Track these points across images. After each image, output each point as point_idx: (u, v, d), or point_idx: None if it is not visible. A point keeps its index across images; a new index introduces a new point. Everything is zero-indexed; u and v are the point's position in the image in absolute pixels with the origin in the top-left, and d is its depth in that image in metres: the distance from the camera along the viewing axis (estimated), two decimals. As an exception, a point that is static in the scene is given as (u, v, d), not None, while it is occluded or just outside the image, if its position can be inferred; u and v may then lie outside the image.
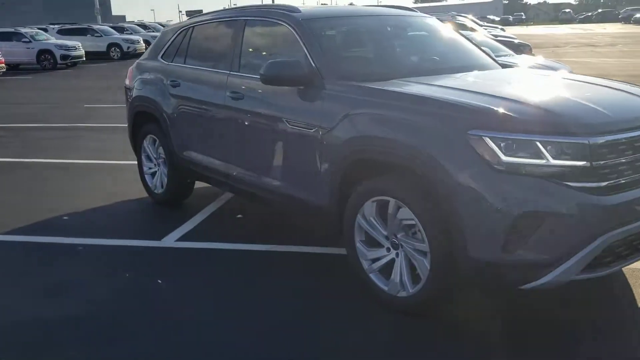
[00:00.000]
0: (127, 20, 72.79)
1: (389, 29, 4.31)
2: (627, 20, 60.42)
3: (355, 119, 3.24)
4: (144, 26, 38.80)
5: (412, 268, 3.11)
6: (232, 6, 6.61)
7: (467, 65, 3.98)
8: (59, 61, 24.32)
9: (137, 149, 5.51)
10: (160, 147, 5.13)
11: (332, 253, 4.04)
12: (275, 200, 3.95)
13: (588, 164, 2.66)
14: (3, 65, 20.61)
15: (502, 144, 2.66)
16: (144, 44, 31.92)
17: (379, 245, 3.26)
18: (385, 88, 3.32)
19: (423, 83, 3.42)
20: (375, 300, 3.28)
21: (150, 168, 5.41)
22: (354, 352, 2.89)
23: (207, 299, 3.48)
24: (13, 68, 24.30)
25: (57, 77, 20.91)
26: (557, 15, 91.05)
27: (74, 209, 5.24)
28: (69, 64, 25.05)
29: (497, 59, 4.49)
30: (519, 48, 13.64)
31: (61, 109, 12.54)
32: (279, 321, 3.20)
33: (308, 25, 3.82)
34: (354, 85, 3.39)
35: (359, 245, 3.33)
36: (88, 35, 30.14)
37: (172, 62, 5.05)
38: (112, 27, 33.81)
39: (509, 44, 12.05)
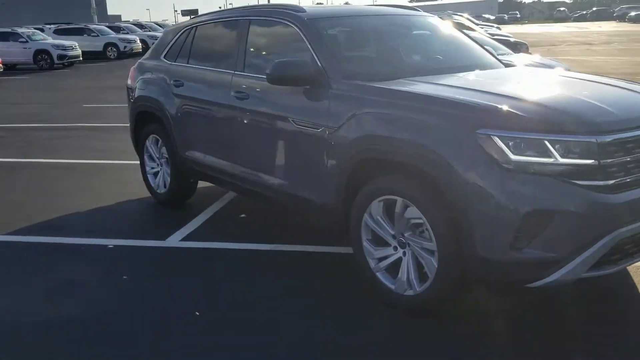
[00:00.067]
0: (122, 19, 72.66)
1: (393, 28, 4.32)
2: (621, 18, 60.63)
3: (362, 119, 3.25)
4: (140, 26, 38.73)
5: (419, 267, 3.12)
6: (228, 5, 6.61)
7: (471, 65, 3.99)
8: (55, 61, 24.28)
9: (140, 148, 5.51)
10: (163, 147, 5.14)
11: (337, 252, 4.05)
12: (281, 200, 3.96)
13: (596, 163, 2.67)
14: (0, 65, 20.57)
15: (510, 143, 2.68)
16: (140, 44, 31.95)
17: (385, 244, 3.27)
18: (393, 87, 3.34)
19: (429, 82, 3.43)
20: (382, 299, 3.29)
21: (152, 168, 5.41)
22: (358, 351, 2.90)
23: (211, 299, 3.49)
24: (10, 68, 24.23)
25: (55, 77, 20.85)
26: (551, 14, 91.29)
27: (76, 209, 5.24)
28: (66, 63, 25.00)
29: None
30: (516, 47, 13.66)
31: (60, 109, 12.52)
32: (283, 321, 3.21)
33: (314, 25, 3.82)
34: (361, 85, 3.40)
35: (365, 244, 3.34)
36: (85, 35, 30.09)
37: (175, 62, 5.05)
38: (108, 27, 33.75)
39: (505, 43, 12.08)
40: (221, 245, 4.32)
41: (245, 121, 4.08)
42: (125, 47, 30.49)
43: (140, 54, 31.29)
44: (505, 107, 2.82)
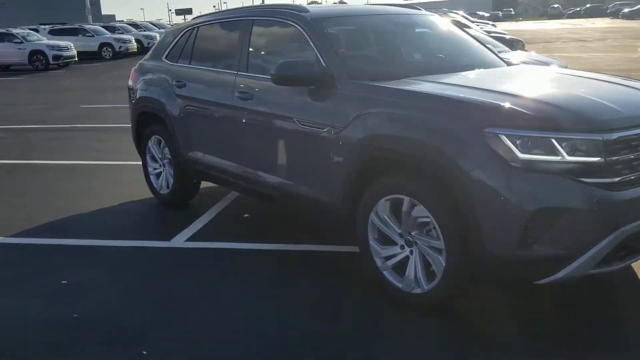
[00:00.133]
0: (116, 19, 72.48)
1: (396, 27, 4.35)
2: (615, 14, 60.84)
3: (368, 118, 3.26)
4: (135, 25, 38.59)
5: (426, 265, 3.14)
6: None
7: (474, 63, 4.01)
8: (51, 62, 24.16)
9: (142, 149, 5.51)
10: (166, 148, 5.14)
11: (343, 251, 4.07)
12: (287, 200, 3.98)
13: (602, 160, 2.70)
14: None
15: (518, 142, 2.70)
16: (135, 44, 31.85)
17: (392, 242, 3.29)
18: (399, 87, 3.36)
19: (435, 81, 3.45)
20: (388, 298, 3.31)
21: (155, 169, 5.42)
22: (365, 350, 2.92)
23: (219, 299, 3.50)
24: (4, 69, 24.19)
25: (50, 78, 20.79)
26: (545, 11, 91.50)
27: (78, 211, 5.24)
28: (61, 64, 24.89)
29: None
30: (512, 44, 13.68)
31: (57, 109, 12.48)
32: (291, 320, 3.22)
33: (317, 25, 3.84)
34: (366, 85, 3.42)
35: (372, 243, 3.36)
36: (79, 35, 29.97)
37: (176, 62, 5.05)
38: (103, 27, 33.64)
39: (500, 40, 12.10)
40: (226, 245, 4.33)
41: (249, 121, 4.09)
42: (120, 47, 30.41)
43: (135, 54, 31.27)
44: (512, 106, 2.84)
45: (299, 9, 4.05)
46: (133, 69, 5.64)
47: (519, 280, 2.96)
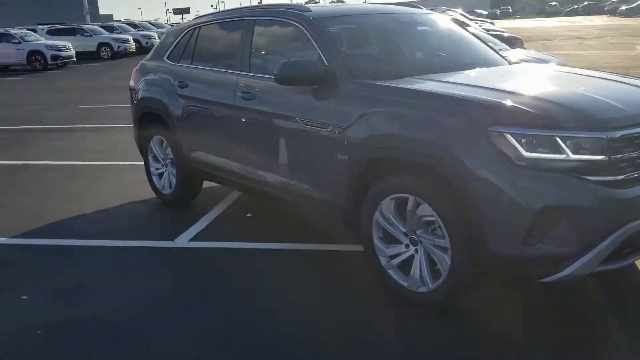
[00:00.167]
0: (114, 19, 72.38)
1: (399, 26, 4.36)
2: (612, 12, 60.81)
3: (372, 118, 3.27)
4: (133, 25, 38.57)
5: (431, 263, 3.16)
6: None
7: (477, 62, 4.03)
8: (49, 62, 24.14)
9: (144, 149, 5.51)
10: (168, 148, 5.14)
11: (347, 250, 4.07)
12: (290, 199, 3.98)
13: (606, 158, 2.71)
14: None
15: (522, 140, 2.71)
16: (134, 43, 31.81)
17: (397, 241, 3.30)
18: (403, 86, 3.37)
19: (438, 80, 3.47)
20: (393, 296, 3.32)
21: (157, 169, 5.42)
22: (372, 350, 2.92)
23: (225, 299, 3.51)
24: (3, 69, 24.16)
25: (49, 78, 20.77)
26: (543, 8, 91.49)
27: (80, 211, 5.25)
28: (60, 64, 24.87)
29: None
30: (510, 42, 13.71)
31: (57, 110, 12.47)
32: (297, 319, 3.23)
33: (320, 24, 3.85)
34: (369, 84, 3.43)
35: (376, 242, 3.37)
36: (78, 35, 29.95)
37: (178, 62, 5.06)
38: (101, 27, 33.60)
39: (499, 38, 12.11)
40: (230, 245, 4.34)
41: (252, 121, 4.10)
42: (119, 46, 30.39)
43: (134, 54, 31.24)
44: (516, 105, 2.85)
45: (301, 8, 4.06)
46: (134, 69, 5.64)
47: (525, 278, 2.98)
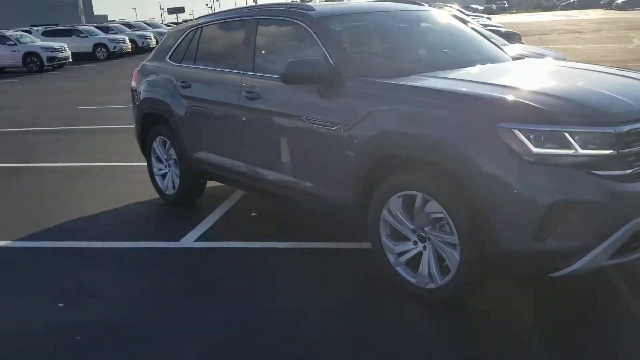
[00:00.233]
0: (109, 19, 72.19)
1: (402, 24, 4.36)
2: (608, 5, 60.88)
3: (379, 115, 3.27)
4: (129, 25, 38.49)
5: (440, 260, 3.16)
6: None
7: (481, 58, 4.03)
8: (45, 63, 24.08)
9: (147, 150, 5.51)
10: (172, 149, 5.14)
11: (355, 248, 4.08)
12: (297, 198, 3.98)
13: (615, 153, 2.73)
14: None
15: (531, 136, 2.72)
16: (130, 44, 31.75)
17: (405, 238, 3.31)
18: (409, 84, 3.37)
19: (444, 77, 3.47)
20: (401, 293, 3.33)
21: (160, 169, 5.41)
22: (379, 350, 2.92)
23: (233, 299, 3.50)
24: (-2, 71, 24.09)
25: (45, 80, 20.73)
26: (539, 2, 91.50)
27: (83, 213, 5.24)
28: (56, 65, 24.81)
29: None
30: (508, 37, 13.72)
31: (55, 111, 12.45)
32: (307, 318, 3.23)
33: (324, 23, 3.85)
34: (376, 82, 3.43)
35: (384, 239, 3.37)
36: (73, 36, 29.87)
37: (181, 63, 5.05)
38: (97, 27, 33.52)
39: (496, 34, 12.11)
40: (237, 245, 4.34)
41: (257, 121, 4.10)
42: (114, 47, 30.33)
43: (130, 54, 31.21)
44: (524, 101, 2.86)
45: (305, 7, 4.06)
46: (135, 70, 5.63)
47: (534, 273, 2.98)
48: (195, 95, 4.74)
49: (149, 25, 41.13)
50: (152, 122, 5.32)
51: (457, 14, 14.64)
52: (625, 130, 2.76)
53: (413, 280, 3.28)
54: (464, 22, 4.83)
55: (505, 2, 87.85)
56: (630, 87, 3.30)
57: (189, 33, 5.09)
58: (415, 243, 3.27)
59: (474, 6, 59.04)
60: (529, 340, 2.92)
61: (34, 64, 24.07)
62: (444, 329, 3.06)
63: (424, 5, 4.73)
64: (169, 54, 5.24)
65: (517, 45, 11.18)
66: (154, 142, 5.36)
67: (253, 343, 3.02)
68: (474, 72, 3.72)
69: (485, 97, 2.99)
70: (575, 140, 2.70)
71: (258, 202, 5.21)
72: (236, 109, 4.26)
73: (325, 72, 3.55)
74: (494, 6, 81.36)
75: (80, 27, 32.04)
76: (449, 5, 20.53)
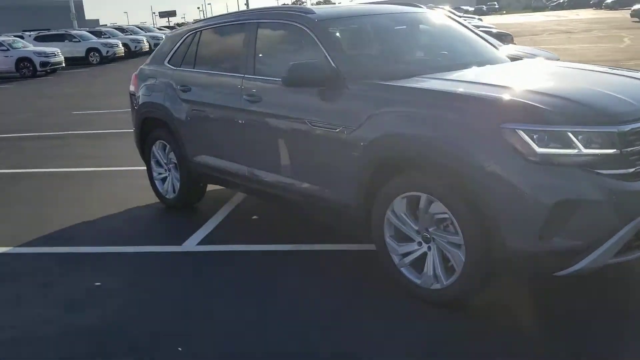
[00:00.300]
0: (100, 23, 71.98)
1: (402, 26, 4.38)
2: (598, 5, 61.24)
3: (381, 118, 3.29)
4: (122, 29, 38.41)
5: (445, 260, 3.18)
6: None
7: (481, 60, 4.06)
8: (38, 68, 23.97)
9: (146, 154, 5.50)
10: (171, 153, 5.14)
11: (358, 250, 4.09)
12: (300, 201, 3.99)
13: (617, 152, 2.75)
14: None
15: (535, 136, 2.74)
16: (123, 48, 31.68)
17: (409, 239, 3.32)
18: (411, 85, 3.39)
19: (445, 79, 3.49)
20: (406, 294, 3.34)
21: (160, 173, 5.41)
22: (384, 351, 2.93)
23: (237, 302, 3.51)
24: (-10, 77, 23.92)
25: (39, 85, 20.64)
26: (529, 3, 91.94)
27: (84, 218, 5.23)
28: (49, 70, 24.71)
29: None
30: (500, 38, 13.79)
31: (50, 117, 12.40)
32: (310, 321, 3.24)
33: (324, 26, 3.87)
34: (377, 84, 3.45)
35: (388, 240, 3.39)
36: (66, 41, 29.75)
37: (180, 67, 5.05)
38: (90, 32, 33.41)
39: (488, 35, 12.16)
40: (239, 248, 4.35)
41: (258, 124, 4.11)
42: (107, 51, 30.24)
43: (123, 58, 31.13)
44: (527, 101, 2.89)
45: (305, 10, 4.07)
46: (134, 74, 5.63)
47: (539, 272, 3.01)
48: (195, 99, 4.74)
49: (142, 29, 41.04)
50: (151, 126, 5.32)
51: (451, 15, 14.72)
52: (628, 129, 2.79)
53: (418, 281, 3.29)
54: (462, 23, 4.84)
55: (495, 3, 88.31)
56: (631, 87, 3.33)
57: (187, 37, 5.10)
58: (419, 244, 3.28)
59: (465, 7, 59.33)
60: (530, 340, 2.94)
61: (27, 69, 23.95)
62: (444, 329, 3.07)
63: (422, 7, 4.75)
64: (168, 58, 5.24)
65: (510, 46, 11.24)
66: (154, 146, 5.36)
67: (257, 345, 3.02)
68: (474, 73, 3.74)
69: (488, 98, 3.02)
70: (578, 140, 2.73)
71: (259, 205, 5.22)
72: (237, 112, 4.27)
73: (327, 75, 3.56)
74: (485, 7, 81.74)
75: (73, 32, 31.94)
76: (440, 6, 20.63)
